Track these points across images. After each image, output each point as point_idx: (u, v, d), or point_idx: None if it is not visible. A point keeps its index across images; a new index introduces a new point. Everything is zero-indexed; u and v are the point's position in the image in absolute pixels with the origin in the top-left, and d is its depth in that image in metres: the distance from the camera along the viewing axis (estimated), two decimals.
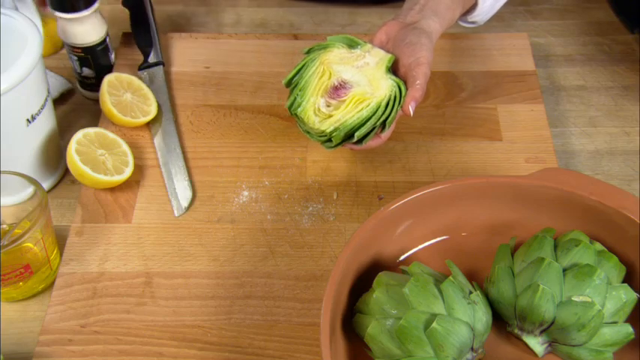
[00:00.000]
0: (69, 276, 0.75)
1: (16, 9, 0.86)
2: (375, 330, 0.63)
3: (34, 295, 0.75)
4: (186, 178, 0.83)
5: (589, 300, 0.63)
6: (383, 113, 0.73)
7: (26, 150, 0.80)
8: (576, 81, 0.98)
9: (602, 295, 0.63)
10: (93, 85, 0.93)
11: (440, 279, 0.65)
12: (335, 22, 1.09)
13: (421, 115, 0.90)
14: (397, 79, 0.75)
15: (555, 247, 0.67)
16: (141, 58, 0.96)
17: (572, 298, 0.63)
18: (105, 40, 0.90)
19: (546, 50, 1.03)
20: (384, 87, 0.74)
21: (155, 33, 0.96)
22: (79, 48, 0.89)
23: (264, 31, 1.07)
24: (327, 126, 0.74)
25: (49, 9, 0.87)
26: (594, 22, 1.08)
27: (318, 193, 0.82)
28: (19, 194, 0.77)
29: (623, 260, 0.68)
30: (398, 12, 0.82)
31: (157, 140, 0.88)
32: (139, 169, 0.85)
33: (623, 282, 0.67)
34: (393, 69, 0.77)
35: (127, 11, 0.97)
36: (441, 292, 0.63)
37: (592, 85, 0.98)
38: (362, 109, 0.73)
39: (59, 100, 0.95)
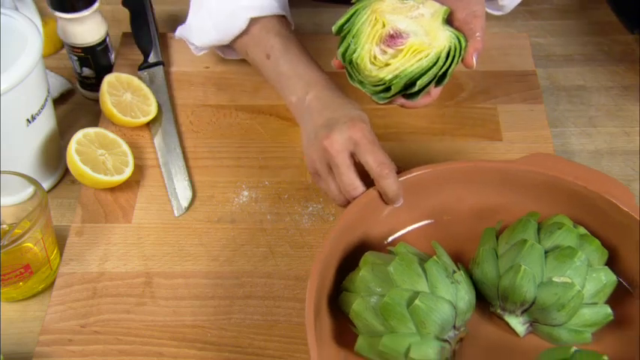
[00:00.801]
0: (69, 276, 0.75)
1: (16, 9, 0.86)
2: (359, 307, 0.64)
3: (34, 295, 0.75)
4: (186, 178, 0.83)
5: (569, 281, 0.64)
6: (444, 64, 0.70)
7: (26, 150, 0.80)
8: (576, 81, 0.98)
9: (582, 277, 0.65)
10: (93, 85, 0.93)
11: (425, 259, 0.66)
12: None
13: (421, 115, 0.90)
14: (456, 31, 0.71)
15: (539, 230, 0.69)
16: (141, 58, 0.96)
17: (553, 279, 0.65)
18: (105, 40, 0.90)
19: (546, 50, 1.03)
20: (442, 38, 0.70)
21: (155, 33, 0.96)
22: (79, 48, 0.89)
23: None
24: (386, 73, 0.70)
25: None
26: (594, 22, 1.08)
27: (318, 193, 0.82)
28: (19, 194, 0.77)
29: (605, 244, 0.69)
30: None
31: (157, 140, 0.88)
32: (139, 169, 0.85)
33: (606, 265, 0.68)
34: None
35: (127, 11, 0.97)
36: (424, 271, 0.64)
37: (592, 85, 0.98)
38: (421, 58, 0.69)
39: (59, 100, 0.95)
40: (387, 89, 0.71)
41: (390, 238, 0.75)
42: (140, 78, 0.92)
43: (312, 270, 0.64)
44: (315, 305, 0.62)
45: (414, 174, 0.71)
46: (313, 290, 0.62)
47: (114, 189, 0.82)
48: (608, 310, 0.66)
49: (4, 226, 0.76)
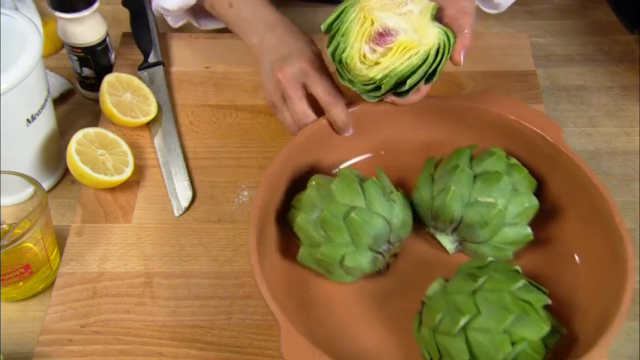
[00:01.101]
0: (69, 276, 0.75)
1: (16, 9, 0.86)
2: (302, 220, 0.70)
3: (34, 295, 0.75)
4: (186, 178, 0.83)
5: (493, 201, 0.70)
6: (433, 61, 0.70)
7: (26, 150, 0.80)
8: (576, 81, 0.98)
9: (506, 199, 0.71)
10: (93, 85, 0.93)
11: (366, 180, 0.72)
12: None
13: None
14: (444, 28, 0.71)
15: (472, 158, 0.75)
16: (141, 58, 0.96)
17: (478, 199, 0.71)
18: (105, 40, 0.90)
19: (546, 50, 1.03)
20: (431, 35, 0.70)
21: (155, 33, 0.96)
22: (79, 48, 0.89)
23: None
24: (376, 72, 0.70)
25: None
26: (594, 22, 1.08)
27: None
28: (19, 194, 0.77)
29: (536, 175, 0.75)
30: None
31: (157, 140, 0.88)
32: (139, 169, 0.85)
33: (535, 194, 0.73)
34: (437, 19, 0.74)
35: (127, 11, 0.97)
36: (363, 189, 0.71)
37: (592, 85, 0.98)
38: (411, 56, 0.70)
39: (59, 100, 0.95)
40: (377, 88, 0.72)
41: (341, 167, 0.80)
42: (140, 78, 0.92)
43: (260, 186, 0.69)
44: (261, 219, 0.68)
45: (363, 105, 0.75)
46: (257, 207, 0.68)
47: (114, 189, 0.82)
48: (528, 230, 0.72)
49: (4, 226, 0.76)
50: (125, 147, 0.83)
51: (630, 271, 0.63)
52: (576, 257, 0.73)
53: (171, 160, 0.85)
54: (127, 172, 0.82)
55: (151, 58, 0.95)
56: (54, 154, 0.84)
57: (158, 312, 0.72)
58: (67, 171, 0.85)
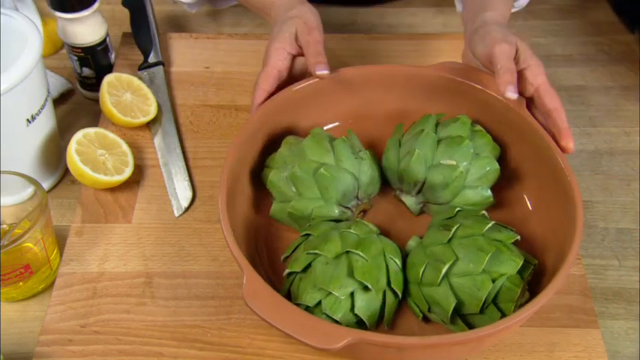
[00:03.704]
0: (69, 276, 0.75)
1: (16, 9, 0.86)
2: (275, 177, 0.74)
3: (34, 295, 0.75)
4: (186, 178, 0.83)
5: (454, 163, 0.73)
6: None
7: (26, 150, 0.80)
8: (576, 81, 0.98)
9: (467, 162, 0.73)
10: (93, 85, 0.93)
11: (335, 139, 0.75)
12: (335, 22, 1.09)
13: None
14: None
15: (438, 124, 0.77)
16: (141, 58, 0.96)
17: (441, 162, 0.73)
18: (105, 40, 0.90)
19: (546, 50, 1.03)
20: None
21: (155, 33, 0.96)
22: (79, 48, 0.89)
23: (264, 31, 1.07)
24: None
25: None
26: (594, 22, 1.08)
27: None
28: (19, 194, 0.77)
29: (501, 143, 0.78)
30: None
31: (157, 140, 0.88)
32: (139, 169, 0.85)
33: (498, 160, 0.76)
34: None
35: (127, 11, 0.97)
36: (333, 147, 0.74)
37: (592, 85, 0.98)
38: None
39: (59, 100, 0.95)
40: None
41: None
42: (140, 78, 0.92)
43: (231, 146, 0.71)
44: (233, 176, 0.71)
45: (337, 73, 0.78)
46: (228, 166, 0.70)
47: (114, 189, 0.82)
48: (489, 193, 0.74)
49: (4, 226, 0.76)
50: (125, 147, 0.83)
51: (577, 235, 0.65)
52: (533, 219, 0.76)
53: (171, 160, 0.85)
54: (127, 172, 0.82)
55: (151, 58, 0.95)
56: (54, 154, 0.84)
57: (158, 312, 0.72)
58: (67, 171, 0.85)
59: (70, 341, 0.70)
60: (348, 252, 0.67)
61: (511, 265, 0.65)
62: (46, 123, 0.81)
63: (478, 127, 0.77)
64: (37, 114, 0.77)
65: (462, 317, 0.67)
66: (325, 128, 0.83)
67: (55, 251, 0.76)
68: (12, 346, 0.71)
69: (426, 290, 0.67)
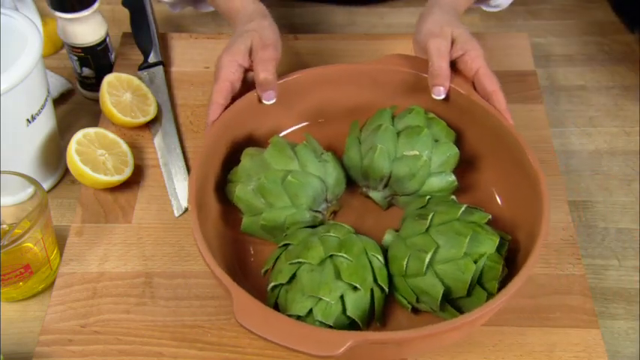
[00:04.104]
0: (69, 276, 0.75)
1: (16, 9, 0.86)
2: (241, 192, 0.73)
3: (34, 295, 0.75)
4: (186, 178, 0.83)
5: (417, 153, 0.74)
6: None
7: (26, 150, 0.80)
8: (576, 81, 0.98)
9: (429, 150, 0.74)
10: (93, 85, 0.93)
11: (296, 145, 0.75)
12: (335, 22, 1.09)
13: None
14: None
15: (394, 116, 0.78)
16: (141, 58, 0.96)
17: (404, 153, 0.74)
18: (105, 40, 0.90)
19: (546, 50, 1.03)
20: None
21: (155, 33, 0.96)
22: (79, 48, 0.89)
23: None
24: None
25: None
26: (594, 22, 1.08)
27: None
28: (19, 194, 0.77)
29: (453, 126, 0.79)
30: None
31: (157, 140, 0.88)
32: (139, 169, 0.85)
33: (454, 143, 0.77)
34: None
35: (127, 11, 0.97)
36: (295, 153, 0.74)
37: (592, 85, 0.98)
38: None
39: (59, 100, 0.95)
40: None
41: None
42: (140, 78, 0.92)
43: (194, 165, 0.71)
44: (199, 193, 0.70)
45: (285, 79, 0.79)
46: (194, 188, 0.69)
47: (114, 189, 0.82)
48: (453, 177, 0.76)
49: (4, 226, 0.76)
50: (125, 147, 0.83)
51: (545, 202, 0.68)
52: (497, 198, 0.78)
53: (171, 160, 0.85)
54: (127, 172, 0.82)
55: (151, 58, 0.95)
56: (54, 154, 0.84)
57: (158, 312, 0.72)
58: (67, 171, 0.85)
59: (70, 341, 0.70)
60: (331, 256, 0.67)
61: (489, 244, 0.67)
62: (46, 123, 0.81)
63: (431, 115, 0.78)
64: (37, 114, 0.77)
65: (450, 302, 0.68)
66: (282, 134, 0.83)
67: (55, 251, 0.76)
68: (12, 346, 0.71)
69: (412, 281, 0.67)
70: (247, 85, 0.79)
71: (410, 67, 0.80)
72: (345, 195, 0.79)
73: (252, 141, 0.80)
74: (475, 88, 0.77)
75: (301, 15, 1.10)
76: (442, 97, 0.76)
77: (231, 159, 0.77)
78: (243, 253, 0.75)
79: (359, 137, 0.78)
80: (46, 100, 0.79)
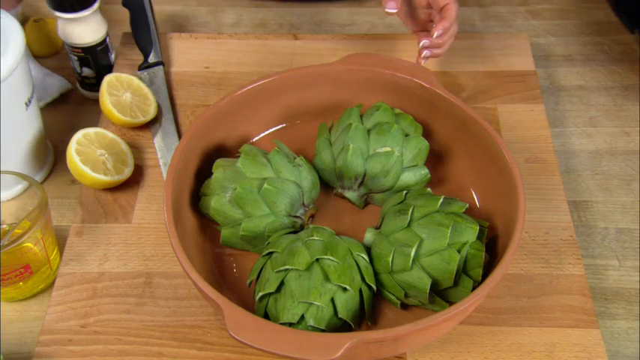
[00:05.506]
0: (69, 276, 0.75)
1: None
2: (217, 204, 0.72)
3: (34, 295, 0.75)
4: None
5: (389, 149, 0.74)
6: None
7: (14, 147, 0.79)
8: (576, 81, 0.98)
9: (400, 145, 0.75)
10: (93, 85, 0.93)
11: (268, 152, 0.75)
12: (335, 22, 1.09)
13: None
14: None
15: (362, 115, 0.79)
16: (141, 58, 0.96)
17: (377, 150, 0.75)
18: (105, 40, 0.90)
19: (546, 50, 1.03)
20: None
21: (155, 33, 0.96)
22: (79, 48, 0.89)
23: (264, 31, 1.07)
24: None
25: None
26: (594, 22, 1.08)
27: None
28: (12, 189, 0.77)
29: (419, 120, 0.80)
30: None
31: (157, 140, 0.88)
32: (139, 169, 0.85)
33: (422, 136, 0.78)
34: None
35: (127, 11, 0.97)
36: (269, 160, 0.74)
37: (592, 85, 0.98)
38: None
39: (59, 100, 0.95)
40: None
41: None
42: (140, 78, 0.92)
43: (168, 174, 0.70)
44: (174, 207, 0.69)
45: (252, 85, 0.79)
46: (169, 194, 0.68)
47: (114, 189, 0.82)
48: (426, 170, 0.76)
49: (4, 226, 0.76)
50: (125, 147, 0.83)
51: (519, 187, 0.69)
52: (470, 188, 0.79)
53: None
54: (127, 172, 0.82)
55: (151, 58, 0.95)
56: (41, 155, 0.84)
57: (158, 312, 0.72)
58: (53, 169, 0.85)
59: (70, 341, 0.70)
60: (318, 259, 0.67)
61: (470, 232, 0.68)
62: (32, 123, 0.80)
63: (398, 110, 0.79)
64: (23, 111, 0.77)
65: (438, 294, 0.68)
66: (254, 140, 0.84)
67: (55, 251, 0.76)
68: (12, 346, 0.71)
69: (399, 277, 0.68)
70: None
71: (370, 64, 0.80)
72: (320, 198, 0.79)
73: (221, 151, 0.80)
74: (431, 7, 0.81)
75: (301, 15, 1.10)
76: (394, 11, 0.80)
77: (203, 171, 0.77)
78: (225, 266, 0.74)
79: (329, 138, 0.78)
80: (30, 99, 0.78)
